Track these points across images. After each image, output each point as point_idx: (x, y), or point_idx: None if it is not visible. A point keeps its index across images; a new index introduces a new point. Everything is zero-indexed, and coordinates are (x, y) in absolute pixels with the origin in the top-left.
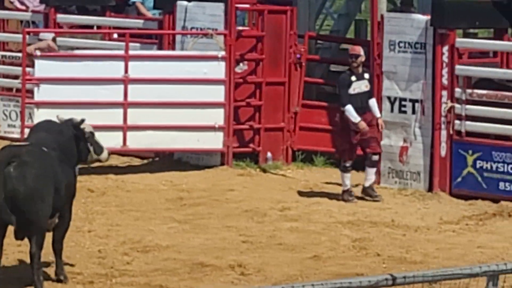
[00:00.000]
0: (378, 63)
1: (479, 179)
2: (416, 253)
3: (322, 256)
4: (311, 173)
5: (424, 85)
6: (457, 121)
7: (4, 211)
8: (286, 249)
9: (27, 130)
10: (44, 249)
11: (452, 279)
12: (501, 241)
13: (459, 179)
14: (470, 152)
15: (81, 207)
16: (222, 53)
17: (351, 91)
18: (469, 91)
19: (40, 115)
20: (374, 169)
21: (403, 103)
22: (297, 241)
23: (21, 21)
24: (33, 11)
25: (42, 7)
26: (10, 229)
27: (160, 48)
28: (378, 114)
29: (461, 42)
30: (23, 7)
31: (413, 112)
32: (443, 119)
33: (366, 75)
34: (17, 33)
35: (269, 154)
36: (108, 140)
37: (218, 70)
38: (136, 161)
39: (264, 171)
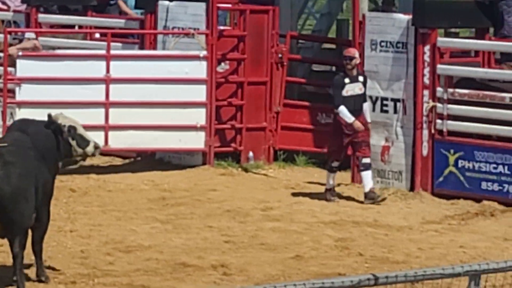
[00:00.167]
0: (360, 62)
1: (461, 178)
2: (399, 252)
3: (304, 256)
4: (293, 173)
5: (405, 85)
6: (438, 121)
7: None
8: (268, 249)
9: None
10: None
11: (434, 279)
12: (483, 241)
13: (441, 179)
14: (452, 151)
15: (63, 207)
16: (203, 53)
17: (344, 93)
18: (450, 90)
19: (22, 115)
20: (369, 172)
21: (385, 102)
22: (279, 241)
23: (3, 21)
24: (14, 11)
25: (23, 7)
26: None
27: (141, 47)
28: (368, 119)
29: (443, 41)
30: (5, 7)
31: (395, 111)
32: (424, 118)
33: (361, 78)
34: None
35: (251, 154)
36: None
37: (199, 69)
38: (118, 161)
39: (246, 170)
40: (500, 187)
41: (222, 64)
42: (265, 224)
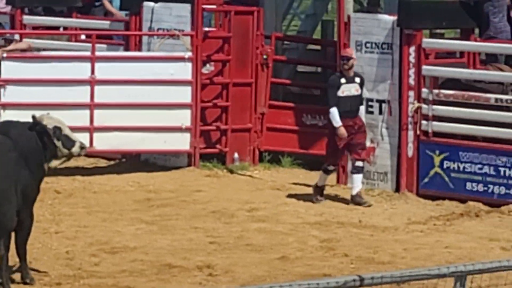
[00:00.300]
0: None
1: (446, 179)
2: (384, 253)
3: (289, 256)
4: (278, 174)
5: (391, 86)
6: (424, 122)
7: None
8: (254, 250)
9: None
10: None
11: (420, 279)
12: (469, 241)
13: (426, 180)
14: (437, 152)
15: (48, 208)
16: (188, 54)
17: (340, 93)
18: (436, 91)
19: (7, 117)
20: (360, 176)
21: (370, 103)
22: (264, 241)
23: None
24: None
25: (8, 9)
26: None
27: (126, 49)
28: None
29: (428, 42)
30: None
31: (380, 112)
32: (410, 119)
33: (357, 79)
34: None
35: (236, 155)
36: None
37: (184, 71)
38: (103, 162)
39: (231, 172)
40: (485, 188)
41: (207, 65)
42: (250, 225)
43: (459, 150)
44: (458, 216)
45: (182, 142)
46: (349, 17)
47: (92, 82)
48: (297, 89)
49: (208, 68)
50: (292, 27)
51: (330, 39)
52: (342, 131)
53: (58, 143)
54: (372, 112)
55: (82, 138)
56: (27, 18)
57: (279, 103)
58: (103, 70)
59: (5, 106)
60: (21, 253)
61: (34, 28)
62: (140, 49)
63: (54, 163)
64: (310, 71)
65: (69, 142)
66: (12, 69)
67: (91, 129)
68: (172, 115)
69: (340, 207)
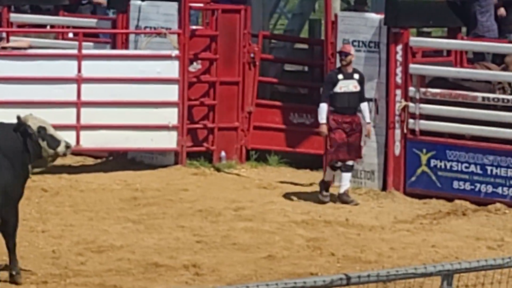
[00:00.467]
0: (332, 62)
1: (433, 178)
2: (371, 252)
3: (276, 255)
4: (265, 172)
5: (378, 84)
6: (411, 120)
7: None
8: (240, 249)
9: None
10: None
11: (407, 278)
12: (455, 240)
13: (413, 178)
14: (424, 151)
15: (35, 207)
16: (175, 52)
17: (337, 89)
18: (423, 90)
19: None
20: (349, 175)
21: None
22: (251, 240)
23: None
24: None
25: None
26: None
27: (113, 47)
28: (368, 120)
29: (415, 41)
30: None
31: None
32: (397, 118)
33: (356, 76)
34: None
35: (223, 153)
36: None
37: (171, 69)
38: (90, 161)
39: (218, 170)
40: (472, 187)
41: (194, 63)
42: (237, 224)
43: (446, 148)
44: (445, 215)
45: (169, 140)
46: (336, 16)
47: (78, 80)
48: (284, 88)
49: (195, 67)
50: (279, 25)
51: (317, 38)
52: (324, 129)
53: (43, 143)
54: (359, 111)
55: (68, 136)
56: (14, 16)
57: (266, 102)
58: (90, 68)
59: None
60: (10, 247)
61: (20, 26)
62: (127, 47)
63: (40, 165)
64: (297, 70)
65: (54, 142)
66: None
67: (77, 127)
68: (159, 113)
69: (327, 206)
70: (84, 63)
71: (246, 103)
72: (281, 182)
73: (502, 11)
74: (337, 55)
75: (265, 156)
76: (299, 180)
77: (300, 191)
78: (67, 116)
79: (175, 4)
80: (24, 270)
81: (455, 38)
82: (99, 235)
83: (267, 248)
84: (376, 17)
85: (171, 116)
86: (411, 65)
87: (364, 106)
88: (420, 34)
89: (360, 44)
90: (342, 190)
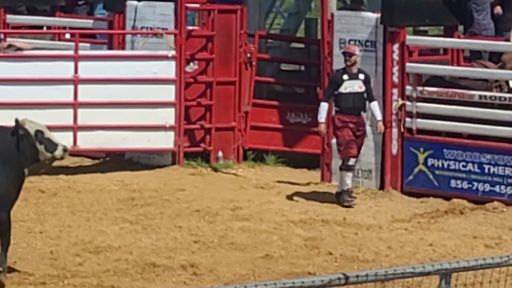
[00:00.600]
0: (328, 61)
1: (431, 176)
2: (368, 251)
3: (274, 255)
4: (262, 172)
5: (374, 83)
6: (408, 119)
7: None
8: (238, 248)
9: None
10: None
11: (405, 277)
12: (453, 239)
13: (411, 177)
14: (422, 150)
15: (32, 208)
16: (172, 53)
17: (342, 90)
18: (419, 88)
19: None
20: (350, 174)
21: None
22: (248, 240)
23: None
24: None
25: None
26: None
27: (110, 48)
28: (379, 117)
29: (412, 39)
30: None
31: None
32: (394, 117)
33: (361, 76)
34: None
35: (220, 154)
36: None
37: (168, 69)
38: (87, 162)
39: (215, 170)
40: (470, 185)
41: (191, 64)
42: (234, 224)
43: (443, 147)
44: (443, 213)
45: (166, 141)
46: (332, 15)
47: (75, 81)
48: (280, 87)
49: (192, 67)
50: (275, 25)
51: (314, 37)
52: (321, 128)
53: (41, 147)
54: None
55: (65, 137)
56: (10, 17)
57: (263, 102)
58: (87, 69)
59: None
60: (4, 243)
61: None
62: (123, 48)
63: (37, 168)
64: (294, 69)
65: (51, 146)
66: None
67: (74, 128)
68: (156, 113)
69: (325, 205)
70: (80, 64)
71: (243, 103)
72: (279, 181)
73: (498, 9)
74: (342, 55)
75: (262, 156)
76: (297, 180)
77: (298, 191)
78: (64, 117)
79: (172, 5)
80: (22, 268)
81: (451, 36)
82: (96, 235)
83: (265, 248)
84: (372, 16)
85: (168, 116)
86: (408, 64)
87: (374, 105)
88: (416, 32)
89: (357, 43)
90: (342, 189)
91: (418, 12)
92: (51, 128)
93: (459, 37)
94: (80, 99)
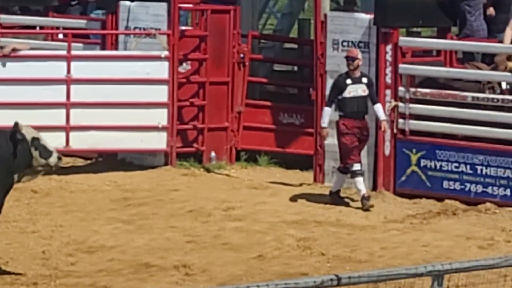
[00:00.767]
0: (321, 62)
1: (423, 177)
2: (361, 252)
3: (267, 256)
4: (255, 173)
5: None
6: (401, 120)
7: None
8: (231, 249)
9: None
10: None
11: (398, 278)
12: (446, 240)
13: (403, 178)
14: (414, 151)
15: (25, 208)
16: (165, 53)
17: (346, 94)
18: (412, 90)
19: None
20: (360, 179)
21: None
22: (242, 241)
23: None
24: None
25: None
26: None
27: (103, 48)
28: (382, 117)
29: (405, 41)
30: None
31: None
32: (387, 118)
33: (364, 80)
34: None
35: (213, 154)
36: (51, 141)
37: (161, 70)
38: (80, 162)
39: (208, 171)
40: (462, 186)
41: (184, 64)
42: (227, 224)
43: (436, 148)
44: (435, 214)
45: (158, 141)
46: (325, 16)
47: (68, 81)
48: (273, 88)
49: (185, 67)
50: (268, 25)
51: (307, 37)
52: (324, 133)
53: (35, 153)
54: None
55: (58, 137)
56: (3, 17)
57: (256, 102)
58: (79, 69)
59: None
60: None
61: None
62: (116, 48)
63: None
64: (287, 69)
65: (46, 153)
66: None
67: (67, 128)
68: (148, 114)
69: (318, 206)
70: (73, 64)
71: (236, 103)
72: (271, 182)
73: (491, 10)
74: (345, 59)
75: (255, 157)
76: (289, 180)
77: (291, 192)
78: (57, 117)
79: (165, 5)
80: (14, 268)
81: (444, 38)
82: (89, 235)
83: (258, 248)
84: (365, 17)
85: (160, 116)
86: (401, 65)
87: (377, 107)
88: (409, 34)
89: (350, 44)
90: (361, 194)
91: (411, 13)
92: (44, 128)
93: (452, 38)
94: (73, 99)
